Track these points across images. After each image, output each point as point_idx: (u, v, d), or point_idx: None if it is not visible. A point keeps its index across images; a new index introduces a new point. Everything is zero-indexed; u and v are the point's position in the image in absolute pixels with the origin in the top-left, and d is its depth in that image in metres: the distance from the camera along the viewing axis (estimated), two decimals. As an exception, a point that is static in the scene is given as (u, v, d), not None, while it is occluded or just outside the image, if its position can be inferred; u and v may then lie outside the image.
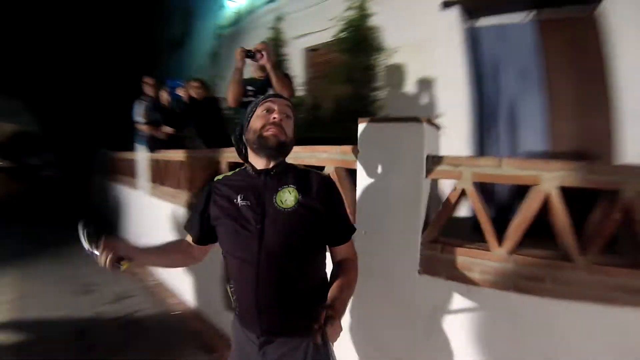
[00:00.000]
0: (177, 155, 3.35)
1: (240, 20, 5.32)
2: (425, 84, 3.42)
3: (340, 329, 0.90)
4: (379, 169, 1.66)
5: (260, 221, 1.05)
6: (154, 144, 3.74)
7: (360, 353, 1.76)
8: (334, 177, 1.84)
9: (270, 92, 2.39)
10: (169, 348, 2.56)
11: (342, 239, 1.16)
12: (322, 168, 1.89)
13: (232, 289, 1.14)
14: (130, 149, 4.61)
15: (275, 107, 1.12)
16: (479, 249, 1.49)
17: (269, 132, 1.08)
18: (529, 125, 3.07)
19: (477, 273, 1.48)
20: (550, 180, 1.37)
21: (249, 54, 2.35)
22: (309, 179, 1.13)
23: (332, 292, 1.03)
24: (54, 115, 10.79)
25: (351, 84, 3.45)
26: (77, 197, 8.45)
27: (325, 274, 1.22)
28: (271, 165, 1.12)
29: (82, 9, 9.36)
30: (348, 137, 1.85)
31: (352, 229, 1.19)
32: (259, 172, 1.12)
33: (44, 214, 7.82)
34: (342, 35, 3.68)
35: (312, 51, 4.41)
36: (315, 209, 1.08)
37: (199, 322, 2.95)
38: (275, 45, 4.48)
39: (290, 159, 1.24)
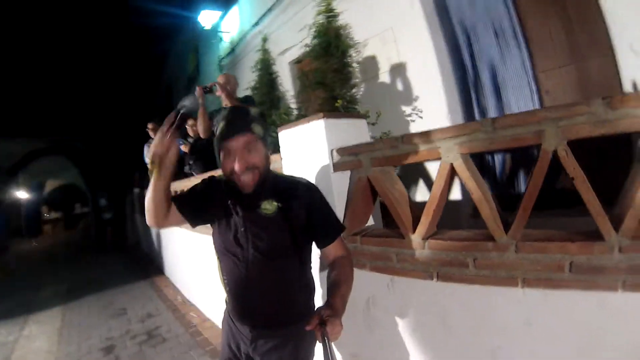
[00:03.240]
0: (177, 185, 3.66)
1: (234, 49, 5.59)
2: (397, 71, 3.29)
3: (340, 327, 0.89)
4: (297, 171, 1.65)
5: (244, 224, 1.11)
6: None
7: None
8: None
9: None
10: (181, 354, 2.90)
11: (329, 239, 1.17)
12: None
13: (225, 282, 1.20)
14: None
15: (233, 150, 1.05)
16: (394, 237, 1.40)
17: (240, 183, 1.07)
18: (515, 84, 2.77)
19: (396, 262, 1.39)
20: (449, 150, 1.21)
21: (206, 90, 2.56)
22: (290, 188, 1.16)
23: (329, 291, 1.05)
24: (92, 165, 12.31)
25: (325, 87, 3.42)
26: (118, 233, 9.66)
27: (311, 274, 1.26)
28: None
29: (108, 66, 10.60)
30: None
31: (339, 228, 1.20)
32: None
33: (91, 251, 9.17)
34: (314, 41, 3.66)
35: (296, 63, 4.47)
36: (295, 213, 1.12)
37: (211, 331, 3.21)
38: (265, 66, 4.58)
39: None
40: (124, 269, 6.48)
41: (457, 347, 1.25)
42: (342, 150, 1.49)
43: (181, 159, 3.84)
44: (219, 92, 2.57)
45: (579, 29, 2.55)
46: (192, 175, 3.60)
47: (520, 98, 2.75)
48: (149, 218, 1.13)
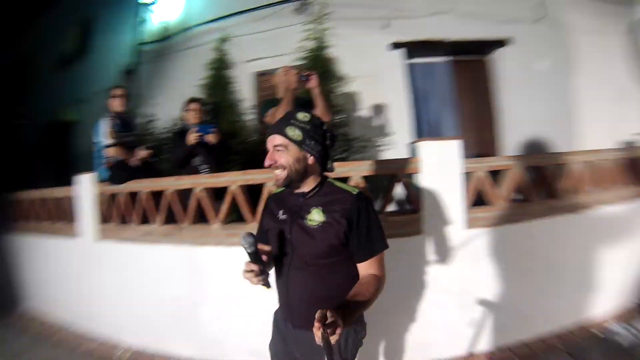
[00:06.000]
0: (172, 183, 2.82)
1: (169, 37, 5.06)
2: (378, 109, 4.21)
3: (341, 329, 0.94)
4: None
5: (290, 232, 1.27)
6: (125, 173, 3.13)
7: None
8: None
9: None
10: None
11: (364, 256, 1.24)
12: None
13: (276, 283, 1.36)
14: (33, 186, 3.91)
15: (268, 149, 1.26)
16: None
17: (274, 178, 1.26)
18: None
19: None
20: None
21: (302, 77, 2.48)
22: (339, 199, 1.26)
23: (344, 297, 1.13)
24: None
25: (306, 109, 3.85)
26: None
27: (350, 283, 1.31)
28: (307, 189, 1.29)
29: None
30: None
31: (376, 249, 1.25)
32: (298, 194, 1.30)
33: None
34: (302, 63, 4.05)
35: (262, 75, 4.63)
36: (338, 227, 1.21)
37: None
38: (220, 67, 4.54)
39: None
40: None
41: None
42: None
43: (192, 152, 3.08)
44: (312, 84, 2.50)
45: (484, 108, 4.27)
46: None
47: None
48: None
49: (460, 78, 4.47)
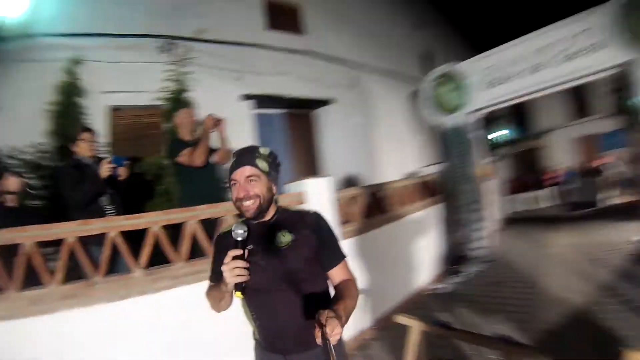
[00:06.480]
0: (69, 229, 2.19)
1: (3, 39, 4.30)
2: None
3: (340, 329, 0.97)
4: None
5: (263, 259, 1.25)
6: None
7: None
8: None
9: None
10: None
11: (333, 262, 1.32)
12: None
13: (254, 317, 1.33)
14: None
15: (239, 180, 1.26)
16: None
17: (243, 209, 1.26)
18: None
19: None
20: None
21: (215, 122, 2.88)
22: (300, 219, 1.34)
23: (335, 302, 1.18)
24: None
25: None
26: None
27: (330, 295, 1.36)
28: (267, 218, 1.32)
29: None
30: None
31: (341, 255, 1.35)
32: (258, 225, 1.30)
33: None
34: (161, 103, 4.30)
35: (117, 110, 4.38)
36: (308, 241, 1.29)
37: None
38: (68, 93, 4.04)
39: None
40: None
41: None
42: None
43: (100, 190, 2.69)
44: (221, 129, 2.88)
45: (309, 152, 5.76)
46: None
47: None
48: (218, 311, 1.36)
49: (293, 128, 5.71)
